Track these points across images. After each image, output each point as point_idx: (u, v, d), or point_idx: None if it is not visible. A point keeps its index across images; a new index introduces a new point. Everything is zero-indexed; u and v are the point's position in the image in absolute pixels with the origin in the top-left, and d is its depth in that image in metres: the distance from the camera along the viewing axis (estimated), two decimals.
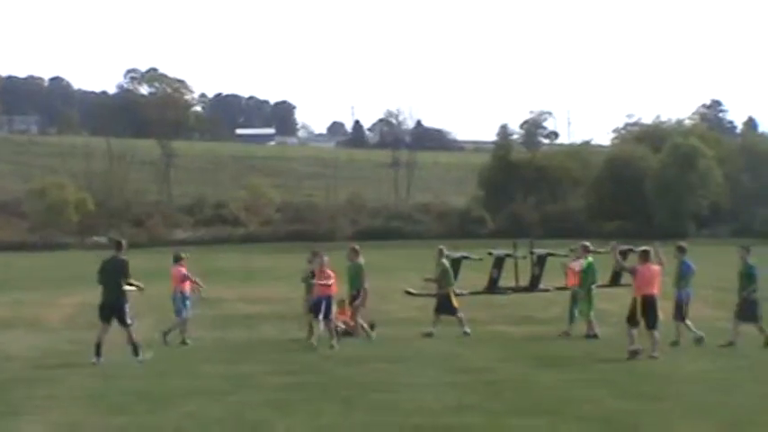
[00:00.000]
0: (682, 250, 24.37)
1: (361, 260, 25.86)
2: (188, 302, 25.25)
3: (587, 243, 27.47)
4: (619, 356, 21.44)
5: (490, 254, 41.00)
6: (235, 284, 43.45)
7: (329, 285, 24.08)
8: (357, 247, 26.63)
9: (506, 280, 39.75)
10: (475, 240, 72.74)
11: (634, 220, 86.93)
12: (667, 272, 23.50)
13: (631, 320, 21.90)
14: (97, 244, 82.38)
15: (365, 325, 26.05)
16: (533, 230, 75.93)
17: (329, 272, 24.21)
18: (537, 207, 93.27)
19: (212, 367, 20.85)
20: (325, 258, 24.51)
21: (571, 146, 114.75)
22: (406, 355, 22.32)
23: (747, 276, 23.58)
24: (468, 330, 26.27)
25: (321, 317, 23.83)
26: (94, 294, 37.53)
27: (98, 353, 21.37)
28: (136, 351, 21.63)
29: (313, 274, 24.52)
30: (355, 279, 25.74)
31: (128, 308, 21.65)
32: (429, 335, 25.94)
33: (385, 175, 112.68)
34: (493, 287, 39.22)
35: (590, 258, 26.33)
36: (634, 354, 21.38)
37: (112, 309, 21.49)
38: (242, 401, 16.74)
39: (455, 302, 26.83)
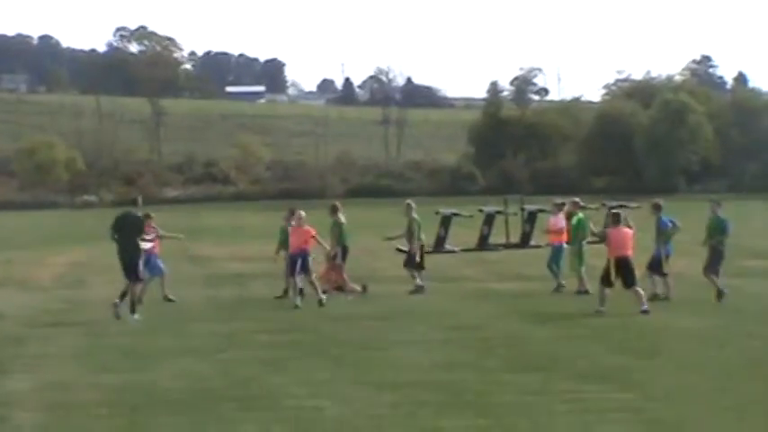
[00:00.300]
0: (657, 208, 24.32)
1: (341, 217, 25.64)
2: (158, 261, 24.96)
3: (577, 199, 27.33)
4: (611, 312, 21.36)
5: (481, 211, 40.87)
6: (225, 243, 43.30)
7: (306, 242, 24.02)
8: (338, 204, 26.46)
9: (497, 237, 39.66)
10: (465, 197, 72.62)
11: (624, 176, 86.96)
12: (642, 228, 23.60)
13: (605, 281, 21.96)
14: (87, 203, 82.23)
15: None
16: (524, 187, 75.76)
17: (307, 228, 24.14)
18: (527, 164, 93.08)
19: (202, 325, 20.77)
20: (302, 213, 24.42)
21: (561, 102, 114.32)
22: (397, 313, 22.24)
23: (718, 230, 23.65)
24: (420, 284, 26.13)
25: (297, 273, 23.77)
26: (85, 253, 37.59)
27: (115, 307, 21.61)
28: (133, 309, 21.63)
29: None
30: (336, 236, 25.59)
31: (142, 264, 21.92)
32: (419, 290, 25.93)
33: (375, 132, 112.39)
34: (484, 244, 39.11)
35: (580, 214, 26.18)
36: (599, 314, 21.42)
37: (128, 264, 21.70)
38: (232, 359, 16.69)
39: (418, 258, 26.61)
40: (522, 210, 40.64)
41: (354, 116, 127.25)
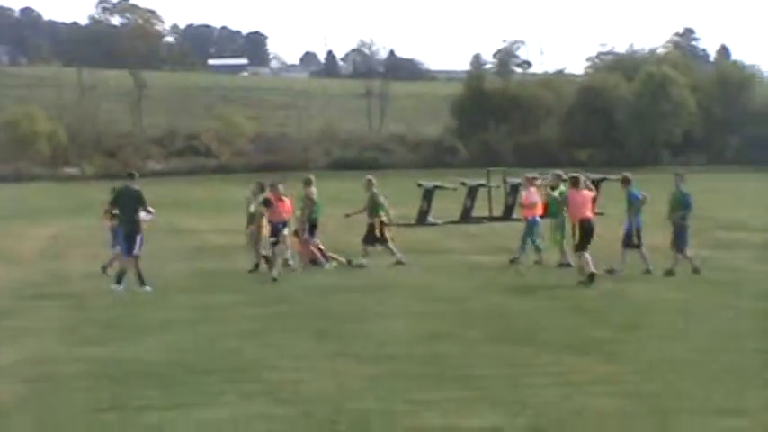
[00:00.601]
0: (626, 182, 24.46)
1: (313, 192, 25.71)
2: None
3: (560, 172, 27.34)
4: (601, 284, 21.44)
5: (464, 184, 40.88)
6: (208, 215, 43.21)
7: (288, 212, 24.30)
8: (311, 177, 26.60)
9: (480, 210, 39.70)
10: (448, 170, 72.55)
11: (607, 149, 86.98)
12: (620, 200, 23.81)
13: (580, 246, 22.21)
14: (69, 176, 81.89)
15: (320, 255, 25.87)
16: (506, 159, 75.87)
17: (287, 200, 24.36)
18: (510, 136, 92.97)
19: (185, 298, 20.77)
20: (281, 186, 24.50)
21: (544, 75, 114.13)
22: (380, 285, 22.26)
23: (681, 204, 23.82)
24: (364, 262, 26.17)
25: (273, 241, 23.93)
26: (68, 226, 37.46)
27: (142, 282, 21.86)
28: (119, 280, 21.81)
29: (266, 203, 24.44)
30: (307, 210, 25.64)
31: (139, 239, 21.94)
32: (400, 262, 25.98)
33: (358, 105, 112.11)
34: (466, 217, 39.15)
35: (562, 187, 26.24)
36: (590, 278, 21.70)
37: (127, 240, 21.82)
38: (214, 332, 16.69)
39: (377, 233, 26.55)
40: (505, 183, 40.65)
41: (337, 89, 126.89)
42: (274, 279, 23.15)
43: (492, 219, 39.18)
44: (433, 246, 30.52)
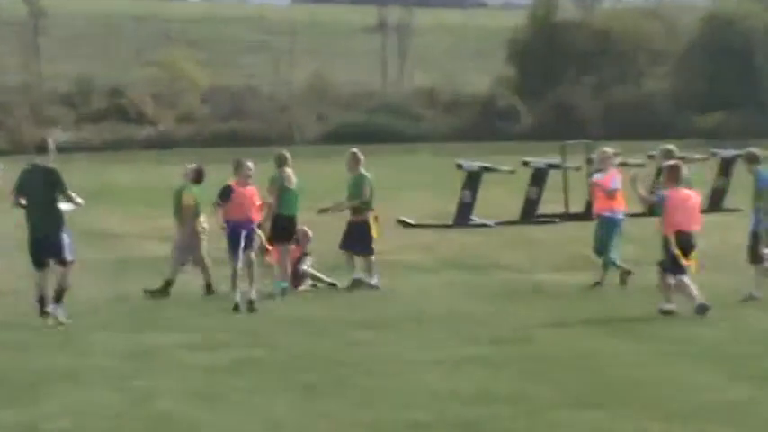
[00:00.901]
0: (752, 159, 24.35)
1: (289, 174, 25.87)
2: None
3: (671, 146, 27.13)
4: (725, 315, 21.41)
5: (526, 164, 40.87)
6: (139, 212, 43.35)
7: (253, 208, 24.43)
8: (286, 153, 26.72)
9: (551, 204, 39.72)
10: (503, 143, 72.80)
11: (743, 112, 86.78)
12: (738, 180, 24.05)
13: (675, 268, 22.13)
14: None
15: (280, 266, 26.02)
16: (591, 128, 75.95)
17: (252, 188, 24.50)
18: (596, 93, 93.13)
19: (106, 337, 20.84)
20: (250, 164, 24.56)
21: (647, 0, 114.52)
22: (398, 318, 22.33)
23: None
24: (374, 282, 26.34)
25: (239, 254, 23.98)
26: None
27: (44, 310, 21.87)
28: (59, 298, 21.91)
29: (224, 194, 24.44)
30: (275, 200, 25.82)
31: (66, 238, 21.97)
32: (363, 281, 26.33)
33: (366, 45, 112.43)
34: (531, 214, 39.16)
35: None
36: (668, 312, 21.91)
37: (46, 242, 21.86)
38: (148, 388, 16.68)
39: (374, 233, 26.62)
40: (589, 162, 40.55)
41: (333, 21, 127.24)
42: (236, 307, 23.22)
43: (568, 217, 39.18)
44: (481, 257, 30.60)
